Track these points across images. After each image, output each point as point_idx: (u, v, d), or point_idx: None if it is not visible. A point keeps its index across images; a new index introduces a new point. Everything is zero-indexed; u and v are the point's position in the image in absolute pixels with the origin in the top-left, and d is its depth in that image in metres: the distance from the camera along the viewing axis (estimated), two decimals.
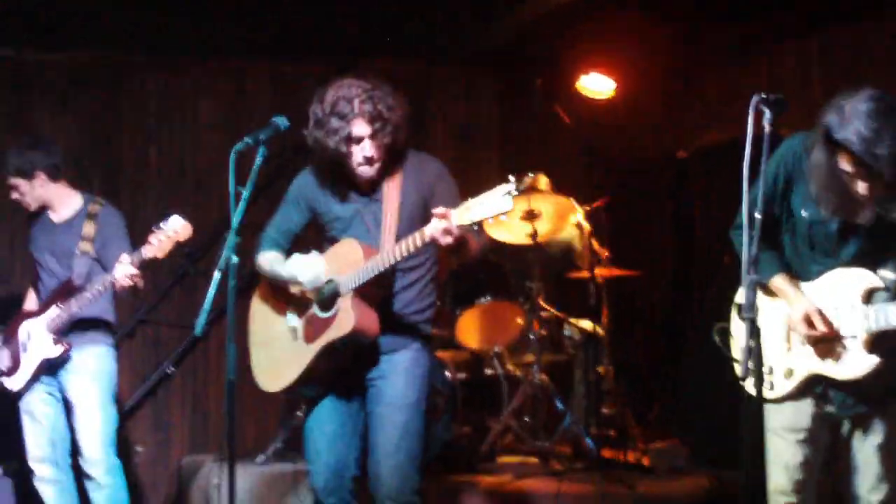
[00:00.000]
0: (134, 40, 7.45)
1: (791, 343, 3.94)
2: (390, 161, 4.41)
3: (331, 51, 7.28)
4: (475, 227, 4.00)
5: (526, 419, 6.63)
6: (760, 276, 3.70)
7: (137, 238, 5.40)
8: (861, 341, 3.75)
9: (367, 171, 4.36)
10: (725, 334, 4.08)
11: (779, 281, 3.95)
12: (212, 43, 7.58)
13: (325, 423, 4.50)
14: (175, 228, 5.06)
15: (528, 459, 6.44)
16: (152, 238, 5.10)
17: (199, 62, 7.80)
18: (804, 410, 3.93)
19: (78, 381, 5.49)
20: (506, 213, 3.82)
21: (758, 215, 3.49)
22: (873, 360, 3.73)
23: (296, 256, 4.44)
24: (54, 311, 5.42)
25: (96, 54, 7.56)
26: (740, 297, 3.67)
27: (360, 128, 4.29)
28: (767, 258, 3.93)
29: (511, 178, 3.81)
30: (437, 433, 6.27)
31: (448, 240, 4.02)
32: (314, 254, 4.40)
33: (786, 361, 3.94)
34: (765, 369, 3.87)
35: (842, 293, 3.81)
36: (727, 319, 4.13)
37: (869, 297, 3.77)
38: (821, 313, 3.83)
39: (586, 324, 6.76)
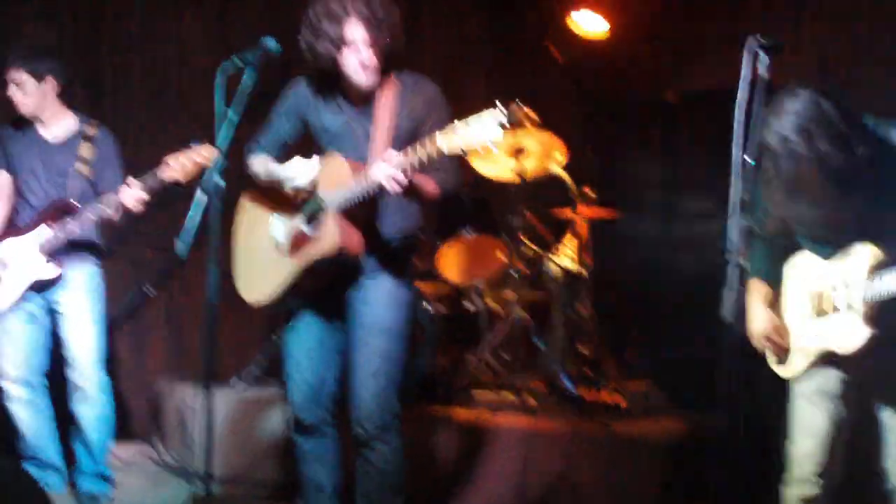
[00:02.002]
0: None
1: (807, 319, 3.93)
2: (385, 73, 4.33)
3: None
4: (462, 154, 3.95)
5: (504, 355, 6.65)
6: (749, 271, 3.78)
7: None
8: (860, 313, 3.72)
9: (361, 78, 4.27)
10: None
11: (753, 286, 4.00)
12: None
13: (305, 338, 4.50)
14: (203, 153, 5.02)
15: (504, 394, 6.47)
16: (172, 161, 5.08)
17: None
18: (833, 374, 3.91)
19: (72, 298, 5.48)
20: (494, 142, 3.75)
21: (747, 160, 3.46)
22: (868, 331, 3.70)
23: (296, 159, 4.39)
24: (45, 231, 5.36)
25: None
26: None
27: (354, 29, 4.19)
28: (758, 254, 4.00)
29: (499, 104, 3.75)
30: (416, 363, 6.30)
31: (394, 186, 3.99)
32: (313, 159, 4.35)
33: (802, 338, 3.94)
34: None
35: (850, 269, 3.78)
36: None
37: (874, 271, 3.72)
38: (779, 330, 3.91)
39: (568, 262, 6.76)
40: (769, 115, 3.61)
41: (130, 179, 5.22)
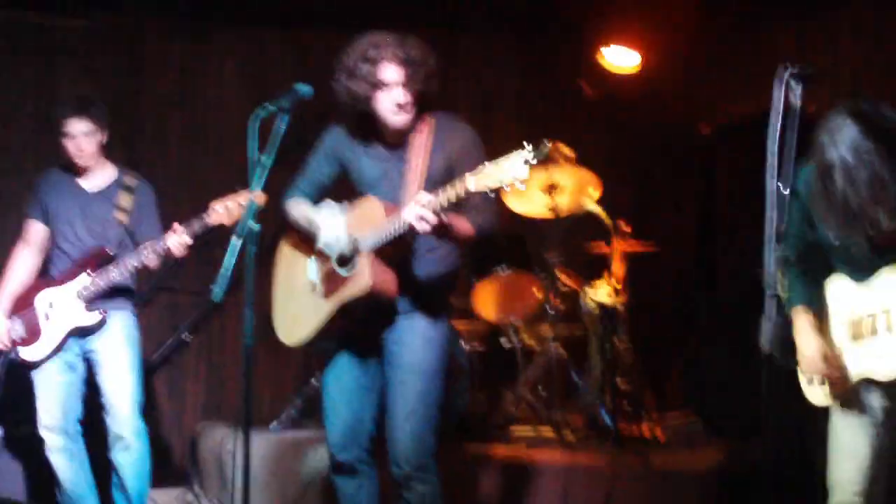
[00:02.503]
0: (156, 5, 7.43)
1: (844, 346, 3.88)
2: (419, 115, 4.35)
3: (352, 17, 7.24)
4: (491, 195, 3.95)
5: (541, 391, 6.62)
6: (788, 301, 3.77)
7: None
8: None
9: (397, 120, 4.30)
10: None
11: (796, 314, 3.95)
12: (233, 8, 7.55)
13: (342, 378, 4.50)
14: (250, 197, 5.01)
15: (542, 430, 6.44)
16: (218, 205, 5.12)
17: (221, 27, 7.75)
18: (873, 398, 3.85)
19: (110, 346, 5.48)
20: (521, 180, 3.74)
21: (785, 191, 3.43)
22: None
23: (325, 208, 4.41)
24: (85, 279, 5.38)
25: (118, 19, 7.52)
26: None
27: (391, 72, 4.23)
28: (798, 285, 3.95)
29: (527, 144, 3.75)
30: (453, 402, 6.28)
31: (425, 227, 3.99)
32: (339, 210, 4.37)
33: (831, 378, 3.88)
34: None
35: (888, 291, 3.74)
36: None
37: None
38: (827, 357, 3.83)
39: (604, 297, 6.73)
40: (826, 135, 3.60)
41: (176, 225, 5.25)
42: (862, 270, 3.84)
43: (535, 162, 3.75)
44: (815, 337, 3.89)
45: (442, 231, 4.09)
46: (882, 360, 3.73)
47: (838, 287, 3.94)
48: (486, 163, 3.84)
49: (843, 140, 3.56)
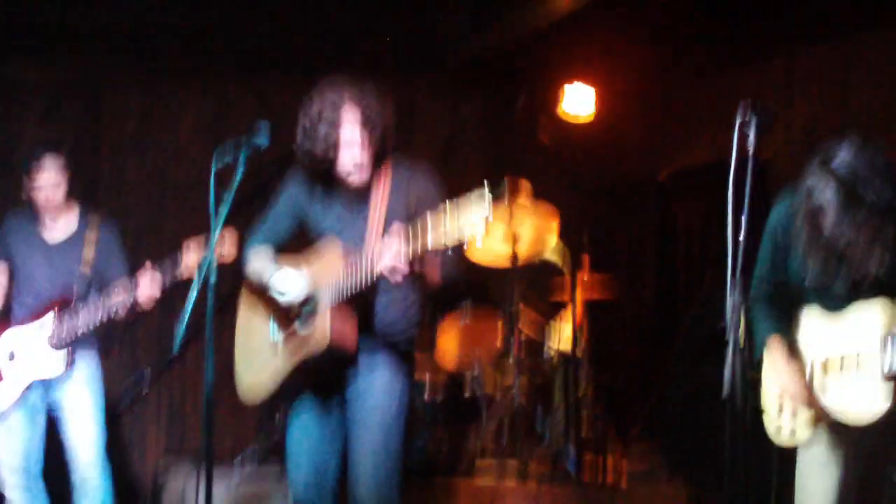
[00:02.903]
0: (115, 56, 7.45)
1: (813, 388, 3.88)
2: (378, 167, 4.35)
3: (313, 64, 7.28)
4: (449, 252, 3.95)
5: (504, 440, 6.59)
6: (758, 334, 3.81)
7: None
8: (879, 383, 3.67)
9: (356, 178, 4.29)
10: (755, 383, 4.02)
11: (771, 343, 3.95)
12: (192, 58, 7.57)
13: (305, 433, 4.43)
14: (221, 251, 4.99)
15: (506, 478, 6.39)
16: (193, 244, 5.12)
17: (180, 77, 7.76)
18: (843, 440, 3.86)
19: (74, 393, 5.46)
20: (479, 236, 3.71)
21: (742, 238, 3.44)
22: (887, 403, 3.66)
23: (285, 266, 4.39)
24: (51, 324, 5.36)
25: (78, 70, 7.51)
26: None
27: (348, 132, 4.22)
28: (768, 319, 3.96)
29: (486, 184, 3.72)
30: (415, 453, 6.24)
31: (397, 278, 3.99)
32: (301, 270, 4.35)
33: (808, 406, 3.88)
34: (786, 414, 3.92)
35: (864, 331, 3.75)
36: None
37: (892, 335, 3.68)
38: (804, 386, 3.83)
39: (565, 344, 6.73)
40: (814, 177, 3.63)
41: (149, 263, 5.23)
42: (836, 310, 3.85)
43: (490, 212, 3.68)
44: (793, 364, 3.89)
45: (413, 279, 4.08)
46: (852, 401, 3.74)
47: (810, 326, 3.94)
48: (447, 203, 3.80)
49: (833, 181, 3.59)
